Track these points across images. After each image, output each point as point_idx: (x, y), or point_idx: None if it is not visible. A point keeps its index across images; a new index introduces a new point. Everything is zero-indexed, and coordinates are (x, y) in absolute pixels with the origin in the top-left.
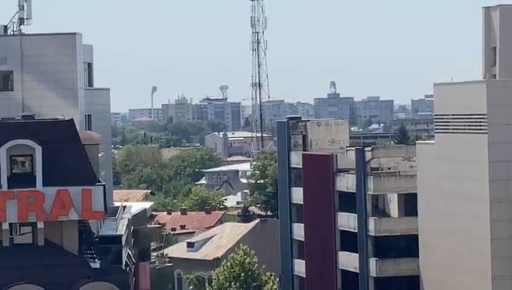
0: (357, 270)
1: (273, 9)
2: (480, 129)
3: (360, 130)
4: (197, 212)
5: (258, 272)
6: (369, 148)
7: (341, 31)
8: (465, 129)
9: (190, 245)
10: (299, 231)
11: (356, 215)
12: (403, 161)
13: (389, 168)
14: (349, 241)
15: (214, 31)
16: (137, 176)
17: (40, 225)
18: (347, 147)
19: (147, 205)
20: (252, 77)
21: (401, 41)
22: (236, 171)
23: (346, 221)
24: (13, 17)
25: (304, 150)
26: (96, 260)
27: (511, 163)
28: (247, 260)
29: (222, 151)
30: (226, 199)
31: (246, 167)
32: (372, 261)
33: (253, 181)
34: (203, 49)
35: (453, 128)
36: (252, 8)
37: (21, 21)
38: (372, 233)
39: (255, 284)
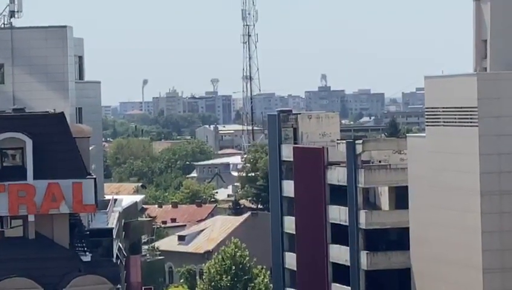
0: (348, 263)
1: (264, 2)
2: (471, 122)
3: (351, 123)
4: (188, 205)
5: (249, 265)
6: (360, 141)
7: (332, 23)
8: (456, 122)
9: (181, 238)
10: (290, 224)
11: (347, 208)
12: (394, 154)
13: (380, 161)
14: (340, 234)
15: (205, 24)
16: (128, 169)
17: (31, 218)
18: (338, 139)
19: (138, 198)
20: (243, 69)
21: (392, 34)
22: (227, 164)
23: (337, 214)
24: (4, 10)
25: (294, 143)
26: (87, 253)
27: (502, 156)
28: (238, 253)
29: (213, 144)
30: (217, 192)
31: (237, 160)
32: (363, 254)
33: (244, 174)
34: (194, 42)
35: (444, 121)
36: (243, 1)
37: (12, 14)
38: (363, 226)
39: (246, 277)
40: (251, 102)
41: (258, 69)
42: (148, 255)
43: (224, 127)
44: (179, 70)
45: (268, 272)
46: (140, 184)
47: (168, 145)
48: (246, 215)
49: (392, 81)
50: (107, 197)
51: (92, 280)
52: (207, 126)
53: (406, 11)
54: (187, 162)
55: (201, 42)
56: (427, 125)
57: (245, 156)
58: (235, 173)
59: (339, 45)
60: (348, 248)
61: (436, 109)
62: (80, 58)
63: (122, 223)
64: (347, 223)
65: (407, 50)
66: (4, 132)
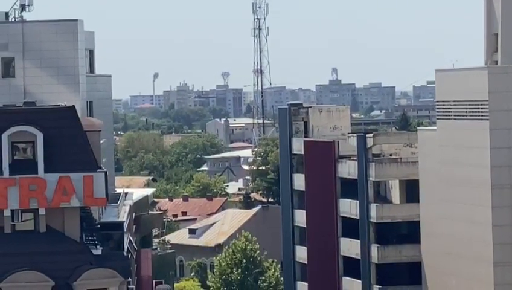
0: (359, 257)
1: None
2: (481, 115)
3: (362, 116)
4: (199, 198)
5: (259, 259)
6: (371, 135)
7: (342, 17)
8: (466, 115)
9: (192, 232)
10: (300, 217)
11: (358, 201)
12: (405, 147)
13: (391, 155)
14: (351, 228)
15: (215, 17)
16: (139, 162)
17: (42, 211)
18: (349, 133)
19: (149, 191)
20: (254, 63)
21: (403, 27)
22: (238, 158)
23: (348, 207)
24: (14, 3)
25: (305, 137)
26: (97, 246)
27: None
28: (248, 247)
29: (224, 137)
30: (227, 186)
31: (247, 153)
32: (374, 248)
33: (254, 168)
34: (204, 36)
35: (455, 115)
36: None
37: (22, 7)
38: (373, 219)
39: (256, 270)
40: (262, 95)
41: (268, 63)
42: (158, 248)
43: (235, 120)
44: (190, 63)
45: (279, 266)
46: (151, 177)
47: (179, 139)
48: (256, 209)
49: (403, 74)
50: (118, 190)
51: (103, 273)
52: (218, 120)
53: (417, 4)
54: (198, 156)
55: (212, 36)
56: (438, 119)
57: (256, 149)
58: (245, 167)
59: (350, 38)
60: (359, 241)
61: (447, 103)
62: (91, 51)
63: (133, 217)
64: (358, 217)
65: (418, 43)
66: (15, 125)
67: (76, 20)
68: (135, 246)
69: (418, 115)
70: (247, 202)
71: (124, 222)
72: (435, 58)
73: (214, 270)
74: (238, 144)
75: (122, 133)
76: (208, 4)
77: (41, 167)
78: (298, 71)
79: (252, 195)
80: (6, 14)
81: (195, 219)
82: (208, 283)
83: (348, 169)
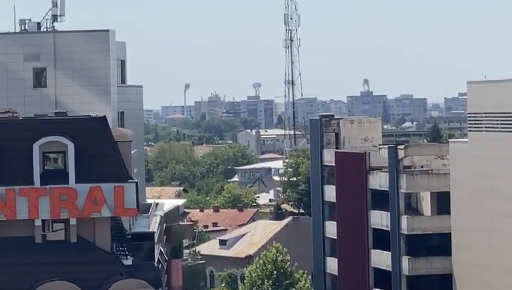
0: (390, 269)
1: (306, 7)
2: None
3: (393, 128)
4: (230, 209)
5: (290, 270)
6: (402, 146)
7: (374, 28)
8: (498, 127)
9: (222, 242)
10: (331, 228)
11: (389, 213)
12: (436, 159)
13: (422, 167)
14: (382, 240)
15: (247, 28)
16: (169, 173)
17: (73, 221)
18: (380, 145)
19: (180, 202)
20: (285, 74)
21: (435, 39)
22: (269, 169)
23: (379, 219)
24: (46, 14)
25: (336, 148)
26: (128, 257)
27: None
28: (279, 258)
29: (255, 148)
30: (258, 197)
31: (278, 164)
32: (405, 260)
33: (285, 179)
34: (236, 47)
35: (486, 127)
36: (286, 5)
37: (54, 18)
38: (404, 231)
39: (287, 281)
40: (293, 106)
41: (300, 74)
42: (189, 259)
43: (266, 131)
44: (221, 74)
45: (310, 277)
46: (182, 188)
47: (210, 150)
48: (287, 220)
49: (434, 86)
50: (149, 201)
51: (134, 284)
52: (249, 131)
53: (450, 15)
54: (229, 167)
55: (244, 47)
56: (470, 131)
57: (287, 160)
58: (276, 178)
59: (382, 50)
60: (390, 253)
61: (478, 114)
62: (122, 62)
63: (164, 227)
64: (389, 229)
65: (450, 55)
66: (46, 135)
67: (107, 30)
68: (166, 257)
69: (450, 127)
70: (278, 213)
71: (154, 232)
72: (466, 70)
73: (245, 281)
74: (269, 155)
75: (153, 143)
76: (240, 15)
77: (72, 177)
78: (330, 82)
79: (283, 206)
80: (38, 25)
81: (226, 229)
82: None
83: (379, 181)
